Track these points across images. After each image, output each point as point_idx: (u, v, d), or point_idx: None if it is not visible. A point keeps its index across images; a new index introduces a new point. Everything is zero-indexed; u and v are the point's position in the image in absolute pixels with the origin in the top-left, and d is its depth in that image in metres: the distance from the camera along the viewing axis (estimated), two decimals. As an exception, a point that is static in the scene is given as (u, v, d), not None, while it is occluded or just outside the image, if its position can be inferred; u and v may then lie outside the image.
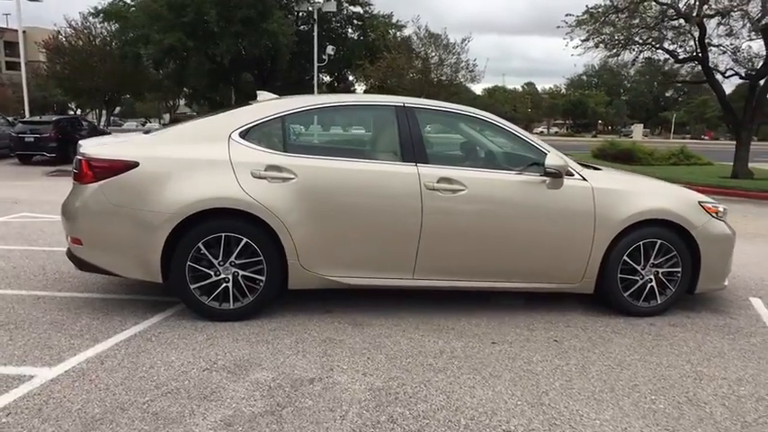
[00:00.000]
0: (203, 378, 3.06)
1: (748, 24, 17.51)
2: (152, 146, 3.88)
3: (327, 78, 35.75)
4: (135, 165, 3.71)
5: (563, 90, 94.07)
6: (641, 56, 22.26)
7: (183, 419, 2.65)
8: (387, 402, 2.89)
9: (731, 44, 19.62)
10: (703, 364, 3.48)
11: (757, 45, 21.13)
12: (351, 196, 3.87)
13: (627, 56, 22.17)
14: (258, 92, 4.61)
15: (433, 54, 24.46)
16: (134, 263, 3.79)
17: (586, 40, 19.87)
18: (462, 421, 2.74)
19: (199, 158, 3.79)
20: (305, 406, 2.82)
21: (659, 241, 4.19)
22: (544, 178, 4.04)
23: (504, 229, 4.03)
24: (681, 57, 20.56)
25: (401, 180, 3.90)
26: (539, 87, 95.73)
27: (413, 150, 3.98)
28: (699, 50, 19.32)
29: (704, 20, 18.03)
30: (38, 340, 3.47)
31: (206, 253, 3.77)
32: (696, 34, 19.01)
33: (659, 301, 4.28)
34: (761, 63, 18.68)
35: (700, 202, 4.34)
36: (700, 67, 20.33)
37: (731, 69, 20.33)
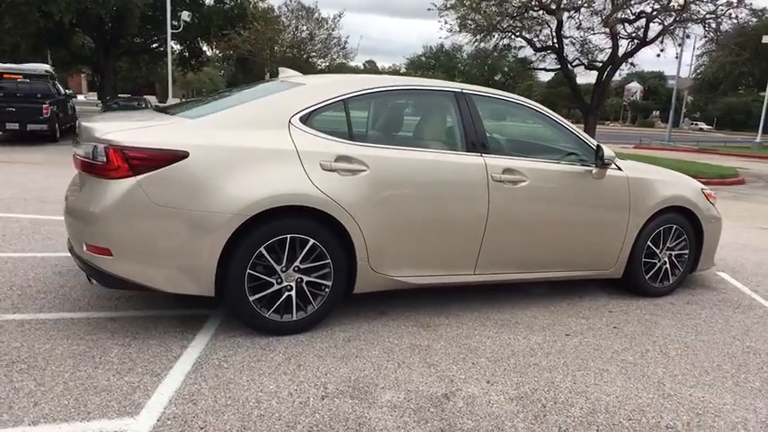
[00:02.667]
0: (333, 408, 2.63)
1: (597, 19, 19.52)
2: (202, 132, 3.18)
3: (177, 47, 32.90)
4: (184, 155, 3.03)
5: (403, 69, 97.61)
6: (501, 42, 23.87)
7: (361, 463, 2.25)
8: (539, 411, 2.75)
9: (580, 37, 21.82)
10: (746, 340, 3.84)
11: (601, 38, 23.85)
12: (421, 189, 3.57)
13: (487, 43, 23.59)
14: (280, 68, 4.04)
15: (304, 28, 23.66)
16: (182, 274, 3.11)
17: (463, 24, 20.63)
18: (624, 423, 2.70)
19: (260, 147, 3.21)
20: (468, 428, 2.57)
21: (675, 226, 4.51)
22: (590, 168, 4.11)
23: (559, 219, 4.03)
24: (538, 46, 22.40)
25: (471, 171, 3.69)
26: (379, 66, 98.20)
27: (476, 139, 3.78)
28: (555, 41, 21.22)
29: (561, 13, 19.76)
30: (79, 382, 2.70)
31: (268, 258, 3.23)
32: (553, 26, 20.82)
33: (671, 282, 4.63)
34: (608, 55, 21.03)
35: (701, 189, 4.75)
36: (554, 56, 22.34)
37: (578, 60, 22.68)
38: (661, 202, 4.39)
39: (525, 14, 20.89)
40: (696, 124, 70.88)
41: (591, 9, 19.76)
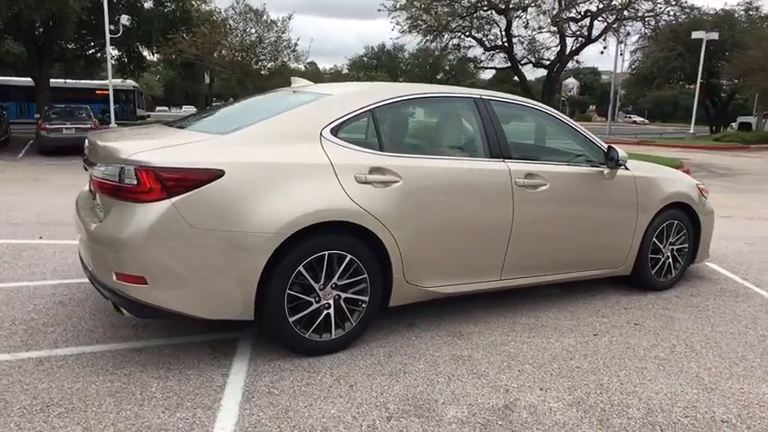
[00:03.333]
0: (402, 430, 2.57)
1: (547, 19, 20.10)
2: (235, 149, 3.03)
3: (116, 53, 31.53)
4: (220, 174, 2.88)
5: (345, 70, 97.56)
6: (451, 42, 24.21)
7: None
8: (600, 415, 2.77)
9: (529, 35, 22.42)
10: (758, 328, 4.01)
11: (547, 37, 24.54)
12: (452, 197, 3.55)
13: (439, 42, 23.88)
14: (292, 78, 3.93)
15: (253, 31, 23.19)
16: (220, 299, 2.96)
17: (414, 25, 20.77)
18: (684, 421, 2.76)
19: (295, 162, 3.09)
20: (540, 438, 2.56)
21: (676, 221, 4.67)
22: (602, 169, 4.19)
23: (577, 221, 4.10)
24: (488, 45, 22.88)
25: (497, 178, 3.70)
26: (320, 67, 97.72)
27: (498, 145, 3.79)
28: (505, 40, 21.73)
29: (511, 12, 20.25)
30: (129, 422, 2.52)
31: (306, 276, 3.12)
32: (503, 25, 21.30)
33: (673, 275, 4.79)
34: (555, 53, 21.72)
35: (696, 185, 4.94)
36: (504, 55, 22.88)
37: (526, 58, 23.31)
38: (665, 198, 4.53)
39: (475, 14, 21.29)
40: (629, 117, 74.09)
41: (538, 8, 20.38)
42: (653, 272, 4.64)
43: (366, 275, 3.29)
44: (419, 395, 2.87)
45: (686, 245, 4.80)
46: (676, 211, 4.66)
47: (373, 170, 3.28)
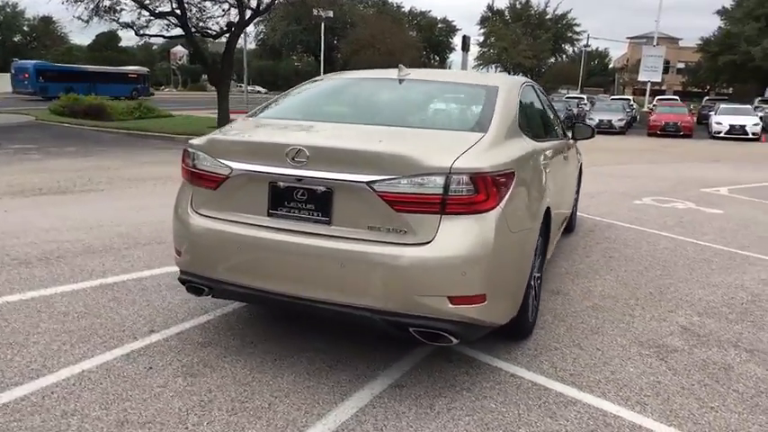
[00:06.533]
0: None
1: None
2: (504, 147, 2.83)
3: None
4: (513, 174, 2.74)
5: None
6: (102, 5, 21.15)
7: None
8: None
9: (199, 2, 21.44)
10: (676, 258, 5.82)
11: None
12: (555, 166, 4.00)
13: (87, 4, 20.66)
14: (399, 66, 3.66)
15: None
16: (515, 301, 2.88)
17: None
18: (746, 305, 4.13)
19: (537, 152, 3.23)
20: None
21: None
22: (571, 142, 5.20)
23: (570, 179, 5.03)
24: (153, 10, 20.86)
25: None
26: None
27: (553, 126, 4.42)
28: (176, 6, 20.26)
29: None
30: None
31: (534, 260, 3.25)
32: (172, -11, 19.73)
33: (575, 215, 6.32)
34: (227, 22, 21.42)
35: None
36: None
37: (201, 27, 22.30)
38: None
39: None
40: (255, 88, 77.29)
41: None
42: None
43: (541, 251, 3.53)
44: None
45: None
46: (578, 167, 6.15)
47: (545, 156, 3.53)
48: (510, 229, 2.65)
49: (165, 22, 22.21)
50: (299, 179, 2.61)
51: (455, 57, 65.52)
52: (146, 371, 2.83)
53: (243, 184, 2.76)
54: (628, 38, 71.54)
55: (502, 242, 2.59)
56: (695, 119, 26.64)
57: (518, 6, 54.23)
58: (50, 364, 2.86)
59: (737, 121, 22.17)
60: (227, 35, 22.17)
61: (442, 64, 61.69)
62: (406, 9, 53.38)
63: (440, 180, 2.45)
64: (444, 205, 2.47)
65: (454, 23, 61.53)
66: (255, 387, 2.72)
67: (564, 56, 56.47)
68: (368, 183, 2.48)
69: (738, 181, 10.50)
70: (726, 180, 10.52)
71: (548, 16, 54.74)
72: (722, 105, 24.93)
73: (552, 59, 52.43)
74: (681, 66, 59.99)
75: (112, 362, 2.91)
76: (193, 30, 22.24)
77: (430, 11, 59.28)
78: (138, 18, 22.05)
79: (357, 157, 2.55)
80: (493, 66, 49.26)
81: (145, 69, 41.02)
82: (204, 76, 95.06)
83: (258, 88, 74.12)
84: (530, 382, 2.87)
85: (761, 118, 23.19)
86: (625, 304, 3.99)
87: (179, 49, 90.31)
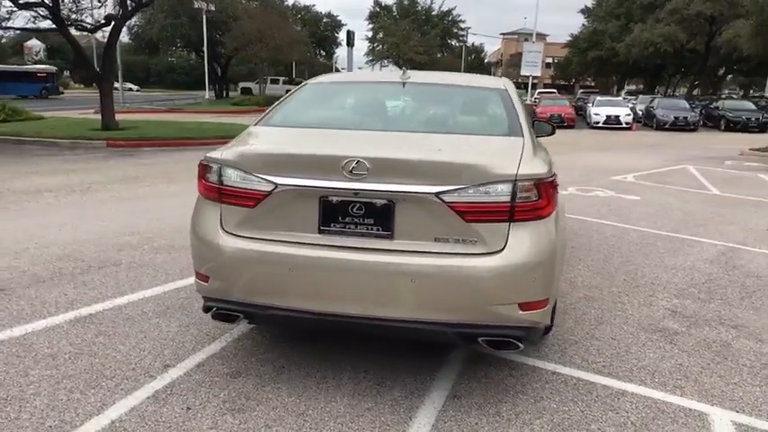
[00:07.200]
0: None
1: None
2: (532, 151, 2.85)
3: None
4: (556, 177, 2.81)
5: None
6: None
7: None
8: (691, 296, 4.27)
9: (72, -6, 19.51)
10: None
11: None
12: None
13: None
14: (404, 69, 3.58)
15: None
16: (555, 302, 2.95)
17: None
18: None
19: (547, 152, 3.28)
20: None
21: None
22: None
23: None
24: (21, 1, 18.67)
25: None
26: None
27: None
28: (48, -2, 18.31)
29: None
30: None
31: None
32: (48, -19, 17.80)
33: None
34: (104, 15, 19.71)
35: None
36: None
37: (73, 20, 20.31)
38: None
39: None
40: (126, 84, 71.79)
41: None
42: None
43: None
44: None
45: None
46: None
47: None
48: (560, 232, 2.73)
49: (33, 13, 20.05)
50: (356, 192, 2.48)
51: (341, 51, 65.57)
52: (185, 412, 2.55)
53: (288, 200, 2.56)
54: (501, 34, 76.13)
55: (559, 245, 2.66)
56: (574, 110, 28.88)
57: (405, 2, 55.36)
58: (69, 418, 2.48)
59: (613, 111, 24.37)
60: (109, 28, 20.50)
61: (329, 59, 61.42)
62: (290, 3, 52.21)
63: (507, 188, 2.45)
64: (513, 212, 2.47)
65: (339, 18, 61.42)
66: (315, 416, 2.56)
67: (450, 51, 58.55)
68: (437, 194, 2.42)
69: (637, 168, 11.54)
70: (626, 167, 11.51)
71: (434, 12, 56.47)
72: (597, 98, 27.23)
73: (440, 55, 54.12)
74: (549, 60, 64.71)
75: (141, 407, 2.58)
76: (68, 23, 20.27)
77: (314, 5, 58.08)
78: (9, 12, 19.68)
79: (422, 168, 2.47)
80: (385, 61, 49.96)
81: (53, 68, 41.08)
82: (67, 73, 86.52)
83: (130, 86, 69.18)
84: (572, 377, 2.97)
85: (631, 109, 25.70)
86: (610, 293, 4.25)
87: (35, 43, 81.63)
